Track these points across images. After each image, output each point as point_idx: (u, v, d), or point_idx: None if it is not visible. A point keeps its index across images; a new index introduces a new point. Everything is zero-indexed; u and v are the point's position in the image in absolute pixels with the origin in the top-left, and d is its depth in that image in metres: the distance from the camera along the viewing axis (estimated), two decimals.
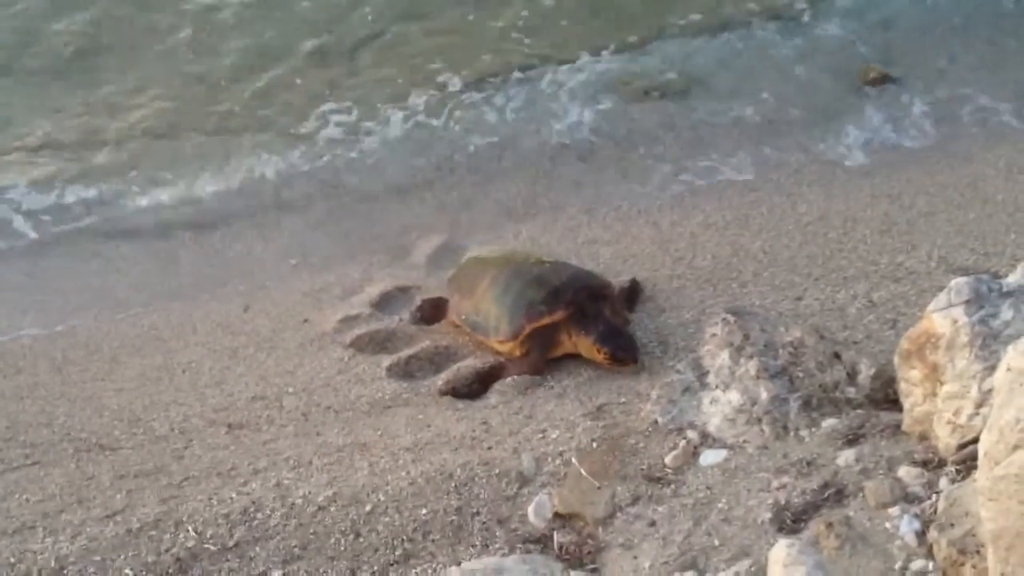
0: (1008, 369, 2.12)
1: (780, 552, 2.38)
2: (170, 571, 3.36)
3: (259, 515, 3.56)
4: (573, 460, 3.61)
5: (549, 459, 3.66)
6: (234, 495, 3.70)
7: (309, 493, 3.63)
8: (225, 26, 7.75)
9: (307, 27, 7.72)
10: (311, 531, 3.47)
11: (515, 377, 4.32)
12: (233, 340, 5.03)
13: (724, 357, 3.79)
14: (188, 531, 3.51)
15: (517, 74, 7.19)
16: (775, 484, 3.30)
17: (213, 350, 4.97)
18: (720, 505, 3.27)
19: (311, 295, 5.33)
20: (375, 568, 3.32)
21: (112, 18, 7.83)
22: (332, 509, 3.54)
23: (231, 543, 3.46)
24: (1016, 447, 2.03)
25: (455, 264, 5.24)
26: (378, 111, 6.93)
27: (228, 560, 3.39)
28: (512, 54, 7.39)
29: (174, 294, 5.57)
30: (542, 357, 4.36)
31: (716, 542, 3.11)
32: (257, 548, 3.43)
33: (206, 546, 3.45)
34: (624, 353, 4.26)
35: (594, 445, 3.68)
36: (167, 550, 3.43)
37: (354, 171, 6.51)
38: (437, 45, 7.49)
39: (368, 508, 3.53)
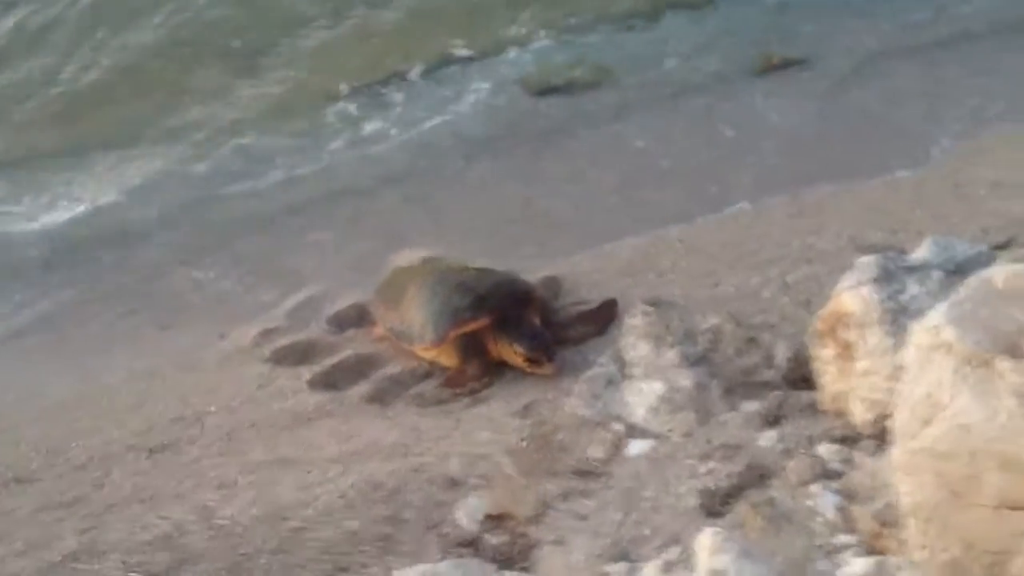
0: (917, 346, 2.18)
1: (706, 539, 2.40)
2: None
3: (184, 539, 3.48)
4: (502, 460, 3.61)
5: (478, 461, 3.65)
6: (158, 520, 3.62)
7: (235, 513, 3.57)
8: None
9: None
10: (239, 552, 3.40)
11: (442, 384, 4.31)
12: (150, 361, 4.91)
13: (645, 348, 3.82)
14: (112, 560, 3.42)
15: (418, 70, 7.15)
16: (701, 470, 3.34)
17: (131, 373, 4.85)
18: (648, 494, 3.30)
19: (227, 310, 5.25)
20: None
21: None
22: (259, 528, 3.48)
23: (156, 570, 3.37)
24: (928, 422, 2.09)
25: (371, 274, 5.17)
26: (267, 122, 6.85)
27: None
28: (413, 50, 7.34)
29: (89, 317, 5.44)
30: (480, 364, 4.30)
31: (646, 531, 3.13)
32: (184, 573, 3.35)
33: (131, 575, 3.36)
34: (538, 354, 4.18)
35: (523, 444, 3.68)
36: None
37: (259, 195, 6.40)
38: (335, 42, 7.41)
39: (296, 524, 3.48)
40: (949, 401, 2.05)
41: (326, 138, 6.69)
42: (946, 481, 2.08)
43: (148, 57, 7.61)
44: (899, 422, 2.21)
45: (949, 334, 2.09)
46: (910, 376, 2.20)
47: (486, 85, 6.98)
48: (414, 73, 7.17)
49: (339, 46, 7.45)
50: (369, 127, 6.75)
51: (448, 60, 7.26)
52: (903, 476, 2.20)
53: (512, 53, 7.29)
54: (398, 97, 6.99)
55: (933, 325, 2.14)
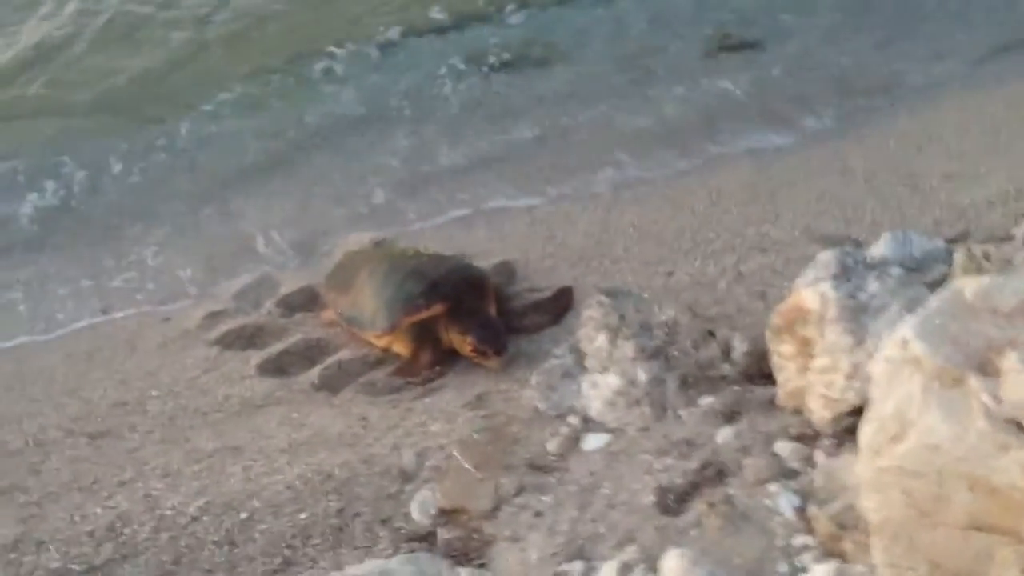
0: (886, 360, 2.15)
1: (672, 562, 2.37)
2: None
3: (127, 530, 3.38)
4: (455, 453, 3.54)
5: (431, 453, 3.58)
6: (99, 510, 3.50)
7: (180, 503, 3.47)
8: None
9: None
10: (183, 544, 3.31)
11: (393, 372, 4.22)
12: (89, 343, 4.76)
13: (601, 339, 3.77)
14: (50, 551, 3.31)
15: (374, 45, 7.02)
16: (657, 466, 3.31)
17: (68, 355, 4.69)
18: (604, 491, 3.26)
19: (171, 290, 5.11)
20: None
21: None
22: (205, 519, 3.39)
23: (98, 562, 3.27)
24: (896, 439, 2.06)
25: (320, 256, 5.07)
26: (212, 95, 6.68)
27: None
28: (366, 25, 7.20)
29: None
30: (433, 352, 4.23)
31: (602, 529, 3.10)
32: (126, 565, 3.26)
33: (71, 566, 3.25)
34: (486, 344, 4.12)
35: (476, 436, 3.62)
36: (29, 573, 3.23)
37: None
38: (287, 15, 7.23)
39: (244, 516, 3.39)
40: (918, 418, 2.03)
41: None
42: (914, 500, 2.06)
43: None
44: (866, 436, 2.19)
45: (918, 349, 2.07)
46: (878, 392, 2.18)
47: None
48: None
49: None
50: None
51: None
52: (869, 492, 2.18)
53: (470, 28, 7.18)
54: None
55: (902, 339, 2.12)
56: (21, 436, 4.11)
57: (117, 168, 6.15)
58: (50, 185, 6.00)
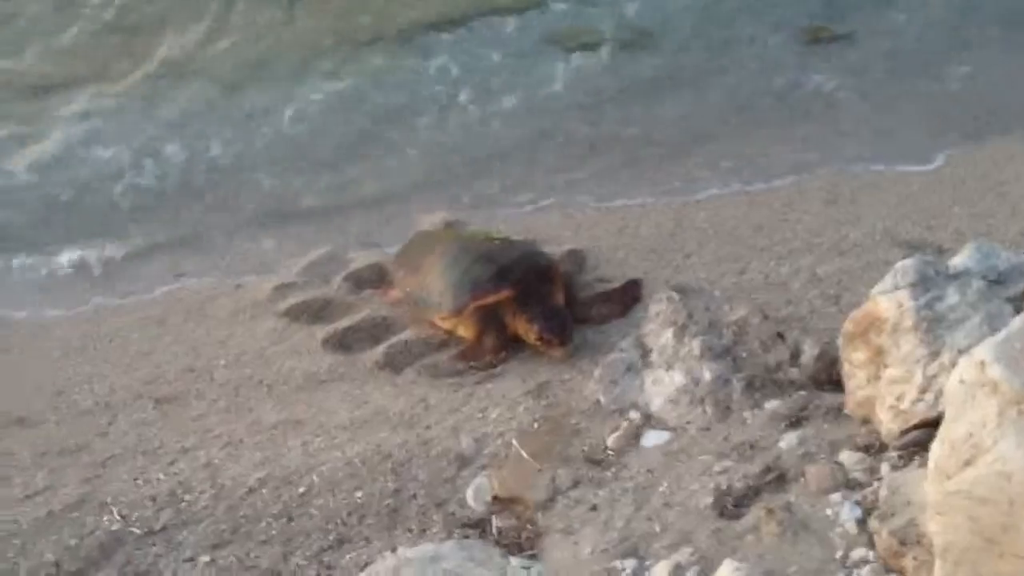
0: (961, 381, 2.06)
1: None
2: (93, 556, 3.23)
3: (187, 497, 3.44)
4: (514, 442, 3.53)
5: (489, 440, 3.57)
6: (161, 475, 3.57)
7: (240, 474, 3.52)
8: None
9: None
10: (241, 514, 3.36)
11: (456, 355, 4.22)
12: (162, 308, 4.84)
13: (668, 336, 3.72)
14: (112, 513, 3.38)
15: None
16: (716, 468, 3.25)
17: (141, 318, 4.78)
18: (661, 489, 3.21)
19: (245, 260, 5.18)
20: (308, 553, 3.21)
21: None
22: (264, 491, 3.43)
23: (157, 527, 3.33)
24: (967, 463, 1.98)
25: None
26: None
27: (154, 545, 3.27)
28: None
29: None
30: (498, 338, 4.21)
31: (657, 528, 3.05)
32: (185, 532, 3.31)
33: (131, 530, 3.32)
34: (551, 334, 4.09)
35: (535, 426, 3.60)
36: (90, 533, 3.30)
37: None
38: None
39: (301, 490, 3.42)
40: (991, 444, 1.95)
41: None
42: (981, 527, 1.98)
43: None
44: (936, 459, 2.11)
45: (996, 372, 1.98)
46: (951, 412, 2.09)
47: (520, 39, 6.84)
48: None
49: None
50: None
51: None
52: (935, 515, 2.10)
53: (553, 7, 7.11)
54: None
55: (979, 360, 2.03)
56: (91, 397, 4.22)
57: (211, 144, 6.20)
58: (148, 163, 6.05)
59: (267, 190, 5.81)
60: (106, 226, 5.55)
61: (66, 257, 5.34)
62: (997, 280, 3.36)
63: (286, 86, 6.58)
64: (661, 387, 3.62)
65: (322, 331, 4.47)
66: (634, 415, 3.58)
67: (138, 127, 6.27)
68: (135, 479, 3.56)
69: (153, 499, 3.43)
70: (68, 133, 6.21)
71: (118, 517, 3.36)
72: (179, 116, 6.36)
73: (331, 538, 3.26)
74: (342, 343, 4.41)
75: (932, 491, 2.09)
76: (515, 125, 6.19)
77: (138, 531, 3.31)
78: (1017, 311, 3.13)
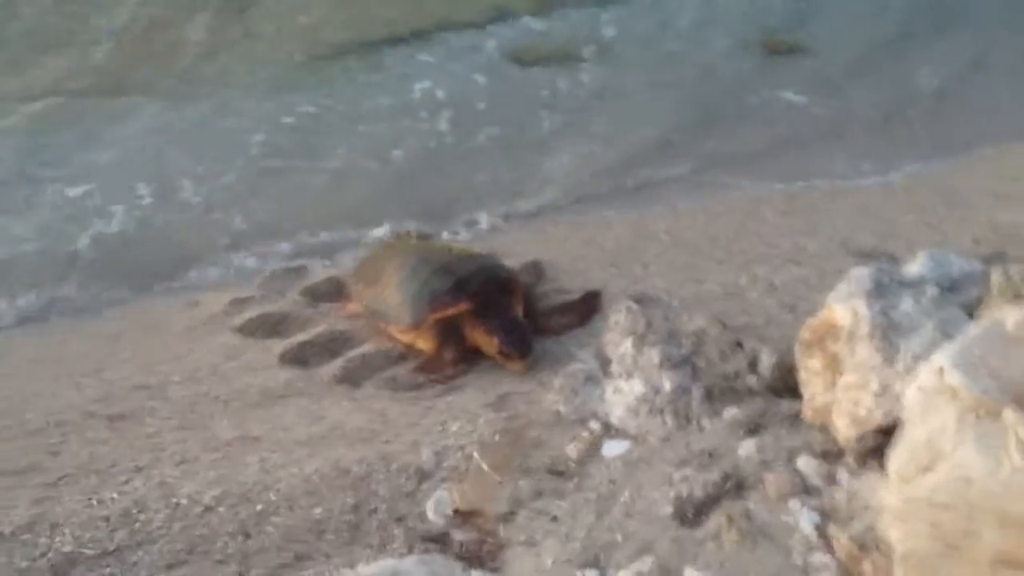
0: (920, 388, 2.08)
1: None
2: None
3: (141, 516, 3.36)
4: (474, 454, 3.50)
5: (449, 453, 3.54)
6: (115, 495, 3.49)
7: (195, 492, 3.44)
8: None
9: None
10: (197, 533, 3.29)
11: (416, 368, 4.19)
12: (115, 325, 4.76)
13: (627, 346, 3.72)
14: (65, 535, 3.29)
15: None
16: (677, 476, 3.25)
17: (92, 335, 4.70)
18: (623, 499, 3.21)
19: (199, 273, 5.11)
20: (265, 571, 3.14)
21: None
22: (220, 509, 3.36)
23: (111, 547, 3.25)
24: (927, 469, 2.00)
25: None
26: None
27: (108, 566, 3.18)
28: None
29: None
30: (457, 350, 4.20)
31: (618, 537, 3.04)
32: (140, 552, 3.23)
33: (84, 551, 3.23)
34: (511, 347, 4.09)
35: (496, 438, 3.57)
36: (42, 555, 3.20)
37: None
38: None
39: (259, 507, 3.36)
40: (951, 450, 1.96)
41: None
42: (941, 532, 1.99)
43: None
44: (896, 464, 2.12)
45: (955, 379, 2.00)
46: (911, 418, 2.11)
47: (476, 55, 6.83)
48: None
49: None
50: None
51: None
52: (896, 521, 2.11)
53: (506, 23, 7.12)
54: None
55: (938, 367, 2.04)
56: (42, 416, 4.11)
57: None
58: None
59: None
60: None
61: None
62: (950, 287, 3.41)
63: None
64: (621, 397, 3.61)
65: (279, 346, 4.42)
66: (594, 425, 3.57)
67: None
68: (88, 499, 3.47)
69: (107, 519, 3.35)
70: None
71: (71, 538, 3.27)
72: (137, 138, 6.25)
73: (289, 555, 3.19)
74: (299, 358, 4.36)
75: (892, 497, 2.10)
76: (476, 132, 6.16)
77: (91, 552, 3.23)
78: (970, 318, 3.18)
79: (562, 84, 6.62)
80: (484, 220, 5.47)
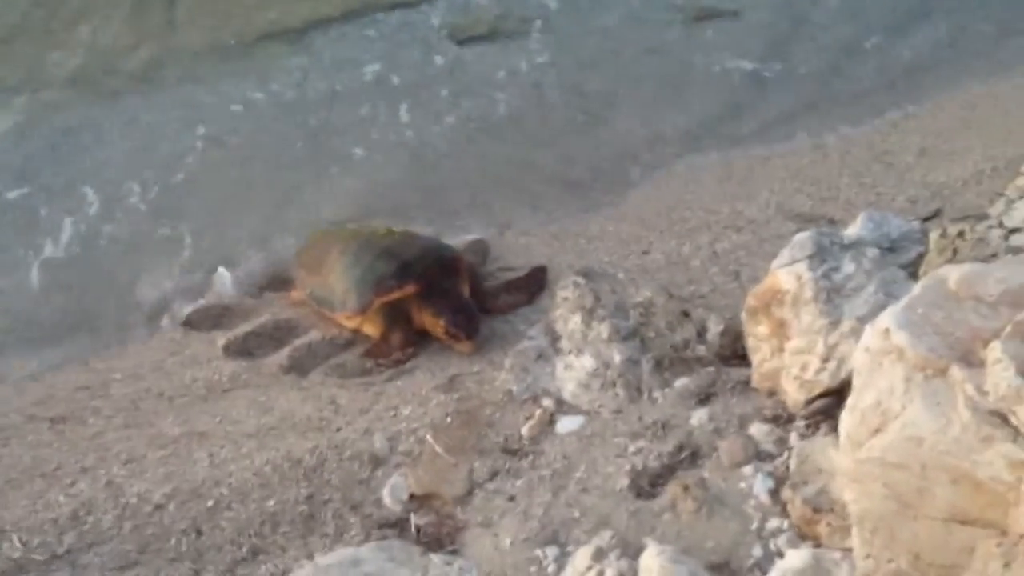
0: (866, 350, 2.10)
1: (651, 561, 2.33)
2: None
3: (90, 518, 3.30)
4: (428, 437, 3.49)
5: (402, 437, 3.52)
6: (61, 498, 3.42)
7: (144, 490, 3.39)
8: None
9: None
10: (149, 532, 3.24)
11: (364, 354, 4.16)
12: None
13: (576, 321, 3.72)
14: (12, 540, 3.22)
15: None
16: (631, 449, 3.27)
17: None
18: (578, 474, 3.22)
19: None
20: (221, 568, 3.11)
21: None
22: (171, 507, 3.31)
23: (61, 551, 3.19)
24: (878, 430, 2.02)
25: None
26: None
27: (58, 570, 3.13)
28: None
29: None
30: (405, 334, 4.16)
31: (576, 513, 3.06)
32: (90, 554, 3.18)
33: (33, 556, 3.17)
34: (458, 328, 4.07)
35: (448, 420, 3.56)
36: None
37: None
38: None
39: (210, 503, 3.32)
40: (900, 410, 1.99)
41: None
42: (895, 492, 2.02)
43: None
44: (846, 426, 2.14)
45: (900, 339, 2.02)
46: (859, 382, 2.13)
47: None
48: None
49: None
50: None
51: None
52: (849, 483, 2.13)
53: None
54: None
55: (883, 328, 2.07)
56: None
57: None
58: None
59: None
60: None
61: None
62: (890, 248, 3.47)
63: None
64: (572, 372, 3.62)
65: (222, 338, 4.34)
66: (547, 402, 3.57)
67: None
68: (34, 503, 3.40)
69: (55, 522, 3.28)
70: None
71: (18, 544, 3.20)
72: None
73: (244, 550, 3.17)
74: (244, 349, 4.29)
75: (844, 460, 2.13)
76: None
77: (40, 557, 3.17)
78: (911, 277, 3.23)
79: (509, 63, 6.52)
80: None
